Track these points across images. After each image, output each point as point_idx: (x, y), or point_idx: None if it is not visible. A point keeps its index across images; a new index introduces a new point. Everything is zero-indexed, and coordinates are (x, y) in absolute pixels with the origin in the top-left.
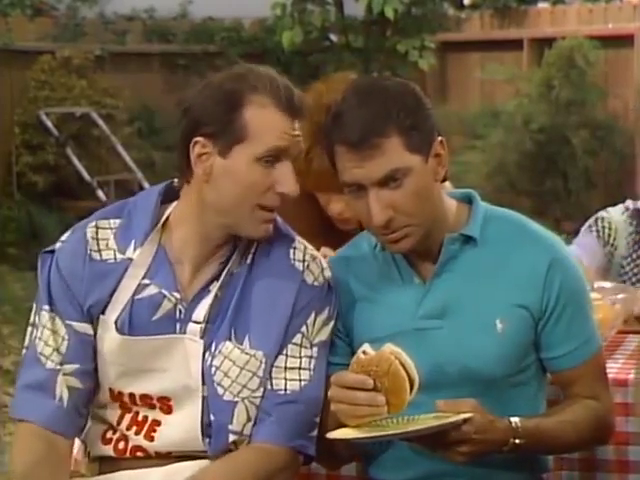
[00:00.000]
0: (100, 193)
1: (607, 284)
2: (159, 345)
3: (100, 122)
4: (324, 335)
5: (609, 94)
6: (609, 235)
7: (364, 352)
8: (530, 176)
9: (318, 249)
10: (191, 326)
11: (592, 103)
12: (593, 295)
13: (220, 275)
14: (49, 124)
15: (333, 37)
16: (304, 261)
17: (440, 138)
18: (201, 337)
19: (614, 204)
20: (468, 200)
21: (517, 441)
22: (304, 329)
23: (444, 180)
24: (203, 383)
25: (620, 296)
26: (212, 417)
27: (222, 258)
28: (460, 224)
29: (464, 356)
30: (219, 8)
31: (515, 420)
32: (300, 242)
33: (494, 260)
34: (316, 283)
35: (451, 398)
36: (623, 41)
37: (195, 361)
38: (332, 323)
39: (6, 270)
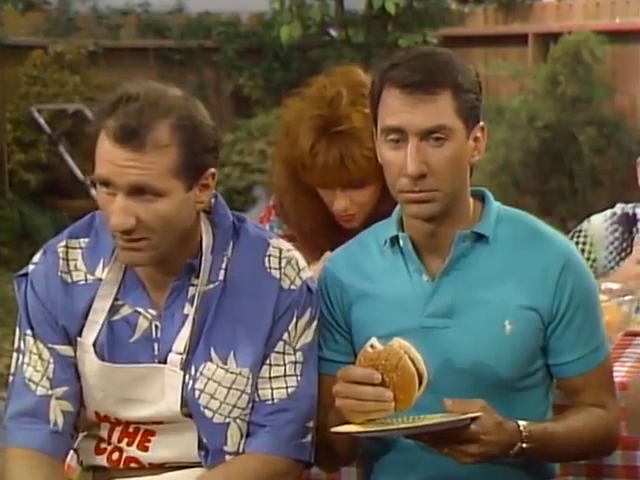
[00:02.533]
0: (94, 192)
1: (614, 285)
2: (138, 374)
3: None
4: (308, 337)
5: (616, 90)
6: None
7: (372, 346)
8: (535, 174)
9: (322, 248)
10: (172, 357)
11: (599, 100)
12: (600, 297)
13: (192, 297)
14: (41, 121)
15: (333, 32)
16: (280, 268)
17: (482, 124)
18: (181, 369)
19: (612, 206)
20: (480, 198)
21: (524, 445)
22: (286, 336)
23: (470, 174)
24: (185, 411)
25: (627, 297)
26: (205, 440)
27: (174, 275)
28: (472, 221)
29: (471, 356)
30: (216, 2)
31: (523, 424)
32: (275, 247)
33: (505, 260)
34: (293, 287)
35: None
36: (631, 36)
37: (173, 392)
38: (315, 322)
39: None
